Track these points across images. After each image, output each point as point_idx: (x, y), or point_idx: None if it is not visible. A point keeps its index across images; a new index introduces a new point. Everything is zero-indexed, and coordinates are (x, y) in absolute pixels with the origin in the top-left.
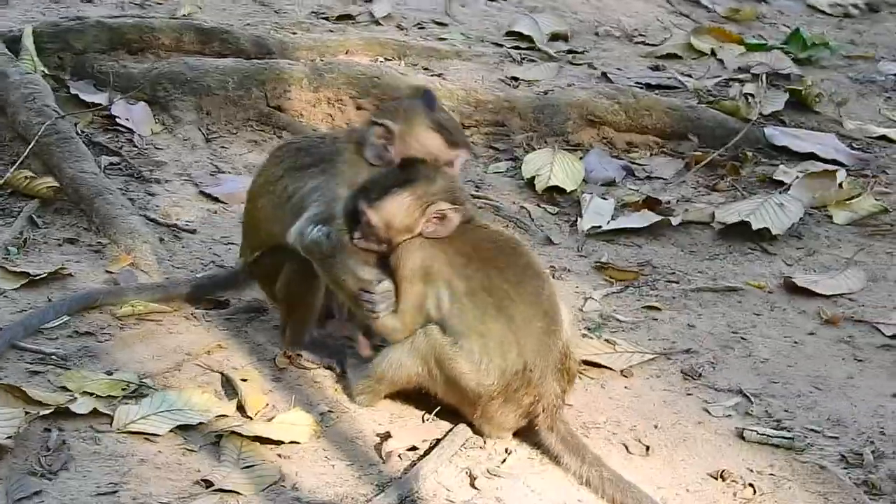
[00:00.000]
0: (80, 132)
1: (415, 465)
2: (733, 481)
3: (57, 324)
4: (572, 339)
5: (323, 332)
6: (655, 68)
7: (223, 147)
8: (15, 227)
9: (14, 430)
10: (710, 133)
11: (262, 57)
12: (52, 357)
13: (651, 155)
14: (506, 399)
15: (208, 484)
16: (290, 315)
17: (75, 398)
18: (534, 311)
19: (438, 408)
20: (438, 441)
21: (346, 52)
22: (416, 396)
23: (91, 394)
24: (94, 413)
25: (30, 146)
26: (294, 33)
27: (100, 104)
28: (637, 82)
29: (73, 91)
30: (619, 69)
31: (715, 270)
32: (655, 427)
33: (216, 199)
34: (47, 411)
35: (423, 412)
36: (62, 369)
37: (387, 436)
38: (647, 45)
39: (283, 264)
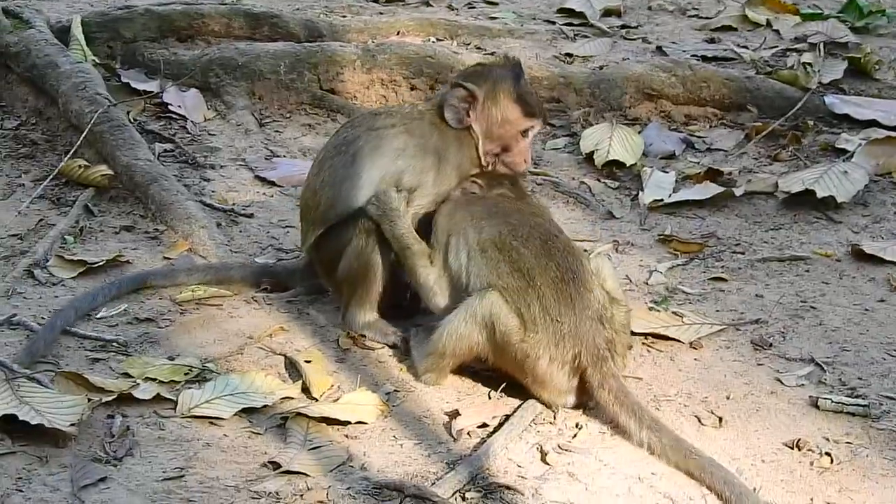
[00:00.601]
0: (132, 120)
1: (484, 442)
2: (809, 450)
3: (116, 311)
4: (613, 289)
5: (387, 315)
6: (711, 41)
7: (277, 131)
8: (71, 215)
9: (77, 418)
10: (769, 103)
11: (313, 40)
12: (113, 344)
13: (710, 127)
14: (550, 357)
15: (275, 466)
16: (353, 294)
17: (138, 384)
18: (545, 262)
19: (505, 384)
20: (508, 417)
21: (398, 34)
22: (482, 374)
23: (153, 379)
24: (158, 398)
25: (83, 135)
26: (344, 16)
27: (151, 92)
28: (693, 55)
29: (123, 79)
30: (673, 43)
31: (780, 240)
32: (727, 398)
33: (272, 183)
34: (110, 398)
35: (490, 389)
36: (123, 356)
37: (455, 414)
38: (701, 18)
39: (345, 243)
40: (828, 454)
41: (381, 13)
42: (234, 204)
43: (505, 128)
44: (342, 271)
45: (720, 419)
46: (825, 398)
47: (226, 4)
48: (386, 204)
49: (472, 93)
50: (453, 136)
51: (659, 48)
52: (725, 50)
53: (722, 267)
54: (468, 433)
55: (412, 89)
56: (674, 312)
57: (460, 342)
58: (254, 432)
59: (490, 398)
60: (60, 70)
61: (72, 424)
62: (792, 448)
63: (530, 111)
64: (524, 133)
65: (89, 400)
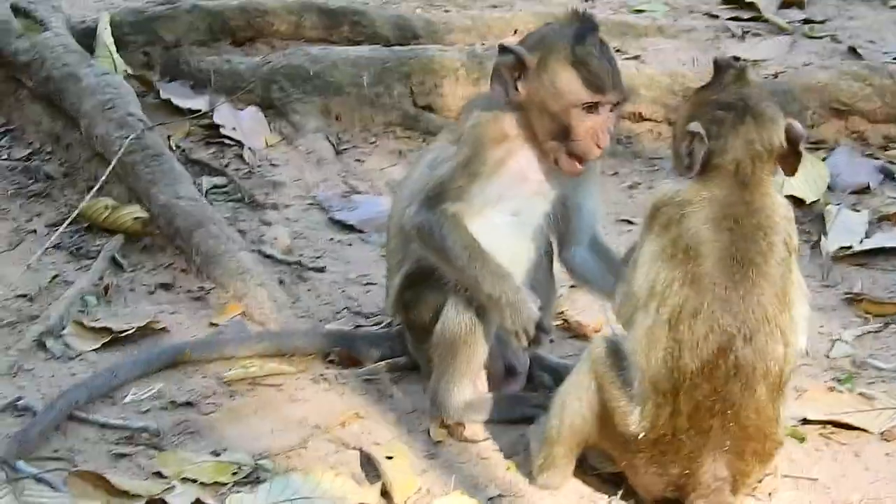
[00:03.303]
0: (174, 147)
1: None
2: None
3: (147, 393)
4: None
5: (498, 394)
6: None
7: (358, 160)
8: (93, 270)
9: None
10: None
11: (406, 43)
12: (143, 434)
13: None
14: (651, 458)
15: None
16: (446, 368)
17: (173, 486)
18: (704, 382)
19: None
20: None
21: (514, 33)
22: (614, 478)
23: (193, 480)
24: None
25: (110, 166)
26: (447, 11)
27: (199, 110)
28: None
29: (163, 95)
30: (871, 42)
31: None
32: None
33: (350, 228)
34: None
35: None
36: (156, 449)
37: None
38: None
39: (440, 300)
40: None
41: (495, 6)
42: (301, 255)
43: (560, 103)
44: (436, 338)
45: None
46: None
47: None
48: (427, 221)
49: (521, 58)
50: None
51: (852, 49)
52: None
53: None
54: None
55: None
56: (861, 393)
57: (569, 417)
58: None
59: None
60: (82, 84)
61: None
62: None
63: (593, 81)
64: (589, 110)
65: None
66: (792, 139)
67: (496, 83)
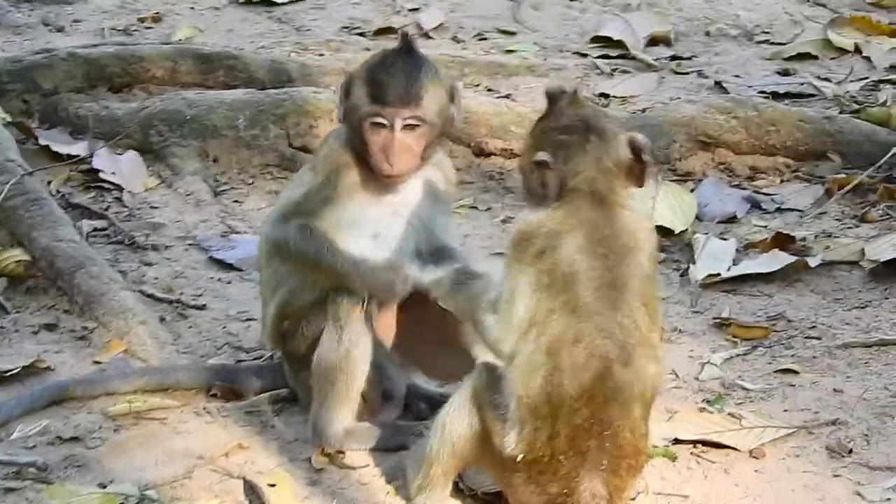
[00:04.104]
0: (54, 192)
1: None
2: None
3: (34, 429)
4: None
5: (376, 423)
6: (784, 73)
7: (236, 201)
8: None
9: None
10: (855, 150)
11: (281, 85)
12: (30, 469)
13: (781, 181)
14: (530, 478)
15: None
16: (326, 397)
17: None
18: (582, 408)
19: None
20: None
21: None
22: (491, 497)
23: None
24: None
25: None
26: (321, 54)
27: (77, 156)
28: (761, 91)
29: (42, 141)
30: (737, 76)
31: (867, 321)
32: None
33: (230, 267)
34: None
35: None
36: (43, 483)
37: None
38: (773, 44)
39: (314, 327)
40: None
41: (368, 48)
42: (181, 293)
43: (354, 117)
44: (314, 367)
45: None
46: None
47: (171, 44)
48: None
49: (346, 80)
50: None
51: (718, 83)
52: (802, 84)
53: (792, 356)
54: None
55: None
56: (730, 414)
57: (448, 437)
58: None
59: None
60: None
61: None
62: None
63: (375, 93)
64: (378, 125)
65: None
66: (635, 150)
67: (337, 103)
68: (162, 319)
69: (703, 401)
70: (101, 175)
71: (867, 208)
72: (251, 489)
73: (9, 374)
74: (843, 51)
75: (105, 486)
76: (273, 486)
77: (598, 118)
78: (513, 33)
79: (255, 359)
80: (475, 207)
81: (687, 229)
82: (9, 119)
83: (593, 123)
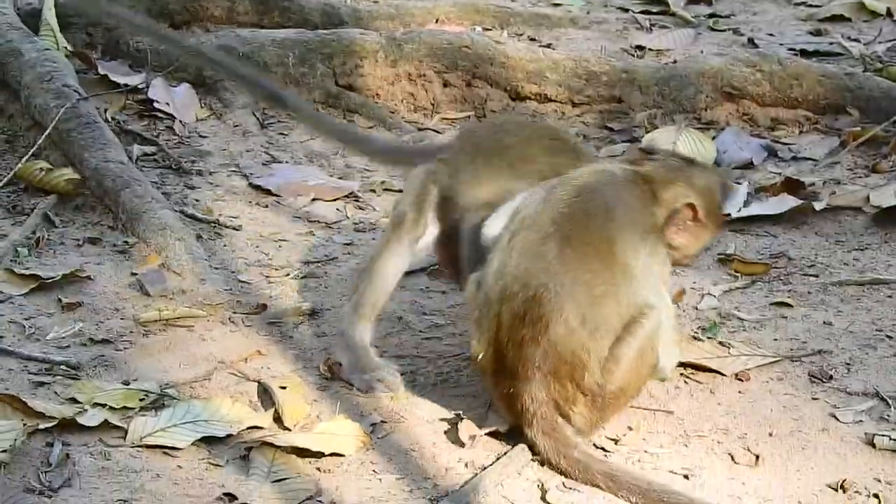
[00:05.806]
0: (109, 119)
1: (476, 476)
2: (856, 492)
3: (68, 331)
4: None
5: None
6: (817, 32)
7: (281, 134)
8: (27, 225)
9: (9, 444)
10: (874, 105)
11: (333, 28)
12: (62, 367)
13: (800, 133)
14: (486, 375)
15: (231, 498)
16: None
17: (84, 410)
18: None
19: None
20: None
21: (436, 22)
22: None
23: (103, 405)
24: (106, 426)
25: (45, 132)
26: (375, 1)
27: (134, 86)
28: (790, 49)
29: (102, 71)
30: (770, 35)
31: (864, 262)
32: (770, 435)
33: (268, 192)
34: (50, 424)
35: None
36: (72, 380)
37: (457, 420)
38: (810, 6)
39: None
40: (876, 496)
41: None
42: (220, 215)
43: None
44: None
45: (757, 457)
46: (883, 435)
47: None
48: None
49: None
50: None
51: (750, 40)
52: (832, 43)
53: (789, 291)
54: (472, 437)
55: (445, 85)
56: (720, 342)
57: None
58: (212, 464)
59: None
60: (24, 58)
61: (3, 451)
62: (836, 489)
63: None
64: None
65: (25, 425)
66: None
67: None
68: (199, 237)
69: (697, 329)
70: (156, 105)
71: (878, 160)
72: (264, 391)
73: (50, 281)
74: (875, 14)
75: (128, 384)
76: (284, 388)
77: None
78: None
79: (285, 276)
80: None
81: None
82: (70, 49)
83: None
